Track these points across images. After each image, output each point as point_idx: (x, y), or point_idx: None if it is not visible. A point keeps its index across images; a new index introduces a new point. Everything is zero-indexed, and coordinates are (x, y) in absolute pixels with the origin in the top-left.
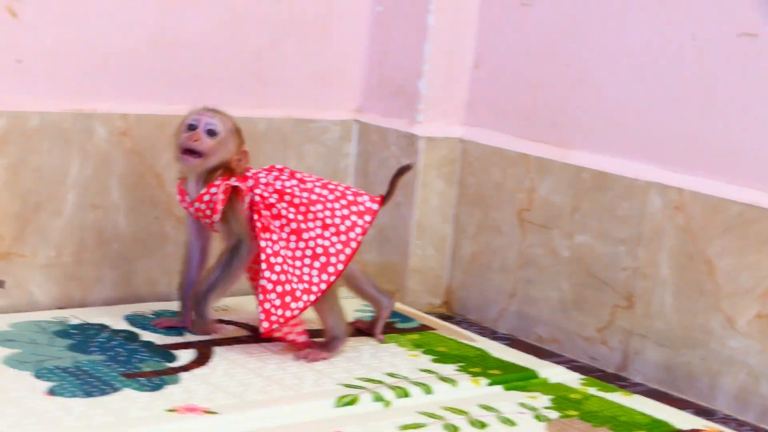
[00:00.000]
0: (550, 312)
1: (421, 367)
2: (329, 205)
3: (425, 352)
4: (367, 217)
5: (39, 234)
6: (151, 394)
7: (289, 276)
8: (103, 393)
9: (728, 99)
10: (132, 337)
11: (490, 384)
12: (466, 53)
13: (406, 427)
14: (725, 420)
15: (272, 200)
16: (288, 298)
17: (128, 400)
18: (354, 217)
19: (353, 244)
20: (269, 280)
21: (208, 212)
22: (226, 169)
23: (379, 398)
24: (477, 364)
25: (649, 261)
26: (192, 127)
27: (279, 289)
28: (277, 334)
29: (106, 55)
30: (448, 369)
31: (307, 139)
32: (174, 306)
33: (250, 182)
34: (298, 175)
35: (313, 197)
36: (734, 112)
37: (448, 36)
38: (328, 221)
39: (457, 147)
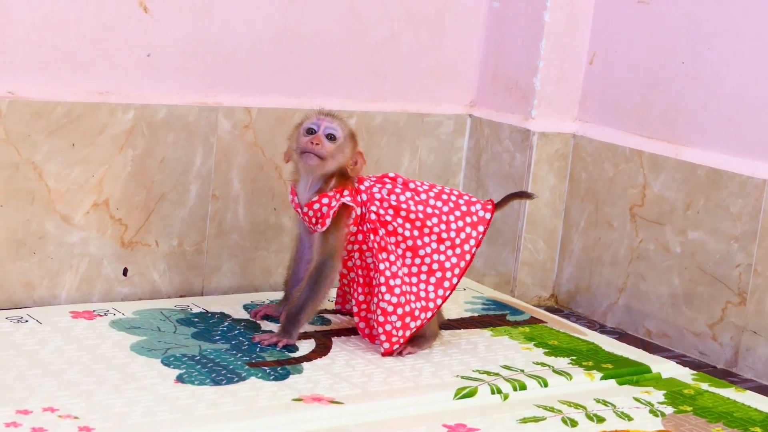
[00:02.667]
0: (660, 307)
1: (535, 359)
2: (444, 218)
3: (537, 345)
4: (480, 228)
5: (162, 224)
6: (276, 384)
7: (408, 296)
8: (230, 381)
9: None
10: (253, 326)
11: (603, 378)
12: (580, 50)
13: (525, 420)
14: None
15: (388, 218)
16: (408, 319)
17: (255, 388)
18: (468, 229)
19: (467, 257)
20: (389, 303)
21: (313, 221)
22: (341, 175)
23: (497, 390)
24: (589, 358)
25: (763, 258)
26: (311, 131)
27: (399, 311)
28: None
29: (231, 50)
30: (561, 362)
31: (421, 133)
32: None
33: (364, 197)
34: (411, 185)
35: (429, 210)
36: None
37: (564, 32)
38: (444, 235)
39: (569, 142)
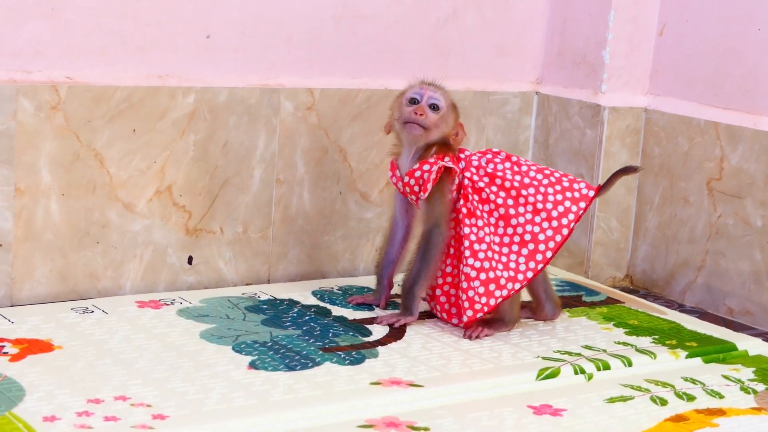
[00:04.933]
0: (742, 284)
1: (616, 339)
2: (542, 189)
3: (617, 325)
4: (582, 204)
5: (226, 210)
6: (352, 368)
7: (494, 263)
8: (305, 367)
9: None
10: (324, 312)
11: (689, 356)
12: (650, 21)
13: (613, 399)
14: None
15: (482, 184)
16: (492, 286)
17: (331, 373)
18: (567, 203)
19: (564, 231)
20: (473, 267)
21: (416, 188)
22: (443, 144)
23: (580, 371)
24: (672, 337)
25: None
26: (414, 101)
27: (483, 276)
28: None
29: (291, 30)
30: (644, 341)
31: (487, 112)
32: (359, 282)
33: (462, 164)
34: (514, 158)
35: (526, 180)
36: None
37: (632, 3)
38: (539, 206)
39: (641, 117)
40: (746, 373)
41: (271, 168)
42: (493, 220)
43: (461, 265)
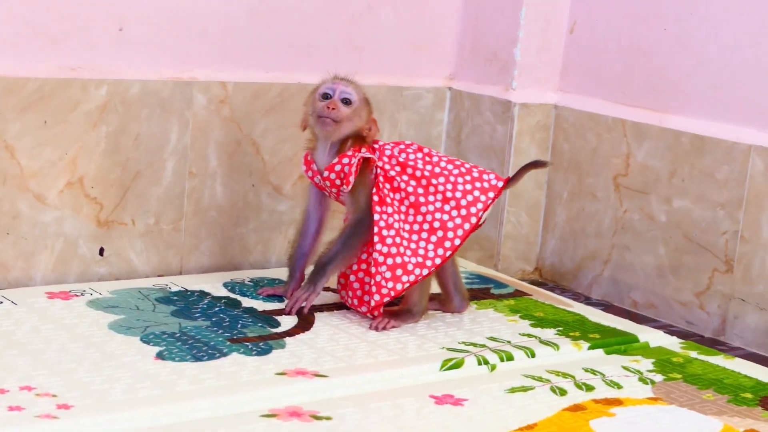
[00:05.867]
0: (646, 277)
1: (521, 331)
2: (452, 179)
3: (523, 317)
4: (491, 194)
5: (138, 202)
6: (259, 359)
7: (402, 249)
8: (212, 357)
9: None
10: (234, 303)
11: (591, 348)
12: (561, 19)
13: (514, 389)
14: None
15: (393, 173)
16: (399, 271)
17: (237, 364)
18: (477, 193)
19: (473, 219)
20: (380, 252)
21: (337, 182)
22: (357, 138)
23: (483, 361)
24: (576, 329)
25: (750, 224)
26: (327, 96)
27: (390, 261)
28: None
29: (205, 23)
30: (548, 333)
31: (400, 107)
32: (272, 273)
33: (377, 154)
34: (426, 150)
35: (437, 170)
36: None
37: (543, 1)
38: (449, 195)
39: (551, 113)
40: (646, 364)
41: (183, 160)
42: (403, 208)
43: (368, 253)
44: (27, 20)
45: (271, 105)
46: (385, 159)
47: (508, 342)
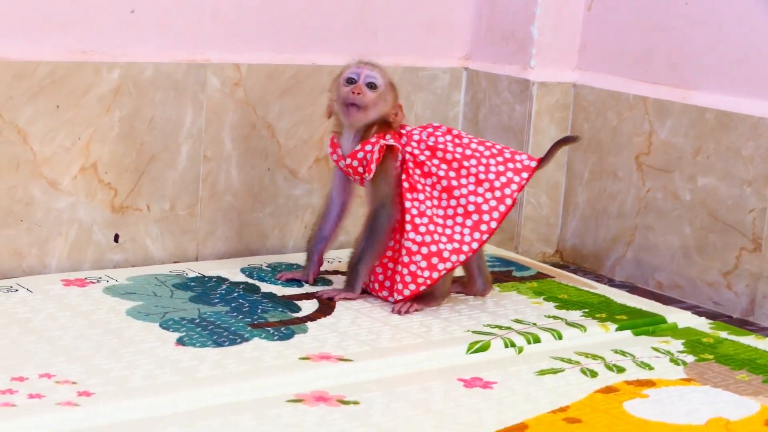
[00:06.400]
0: (671, 258)
1: (546, 313)
2: (484, 161)
3: (547, 299)
4: (524, 174)
5: (153, 187)
6: (281, 343)
7: (437, 236)
8: (233, 343)
9: None
10: (252, 288)
11: (618, 329)
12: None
13: (543, 372)
14: None
15: (423, 157)
16: (435, 259)
17: (260, 349)
18: (510, 174)
19: (508, 201)
20: (414, 241)
21: (360, 170)
22: (383, 123)
23: (510, 344)
24: (602, 310)
25: None
26: (351, 81)
27: (425, 250)
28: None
29: (218, 4)
30: (574, 315)
31: (416, 88)
32: (289, 258)
33: (403, 140)
34: (455, 132)
35: (467, 152)
36: None
37: None
38: (482, 177)
39: (570, 92)
40: (676, 345)
41: (198, 144)
42: (436, 193)
43: (402, 239)
44: (37, 3)
45: (286, 87)
46: (414, 144)
47: (534, 324)
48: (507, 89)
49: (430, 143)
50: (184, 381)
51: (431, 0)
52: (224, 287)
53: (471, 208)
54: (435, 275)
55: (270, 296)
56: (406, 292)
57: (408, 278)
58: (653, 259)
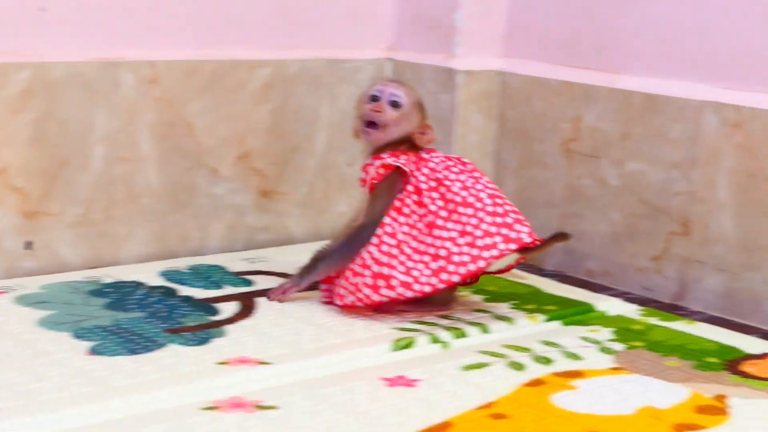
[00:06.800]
0: (601, 245)
1: (474, 307)
2: (481, 214)
3: (475, 292)
4: (512, 246)
5: (66, 190)
6: (198, 348)
7: (395, 262)
8: (148, 350)
9: None
10: (170, 292)
11: (548, 320)
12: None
13: (469, 367)
14: None
15: (425, 186)
16: (381, 282)
17: (176, 355)
18: (498, 238)
19: (481, 263)
20: (372, 256)
21: (367, 184)
22: (410, 143)
23: (436, 340)
24: (531, 301)
25: (705, 184)
26: (375, 98)
27: (376, 268)
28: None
29: (130, 0)
30: (503, 307)
31: (339, 80)
32: (210, 260)
33: (422, 164)
34: (476, 174)
35: (470, 200)
36: None
37: None
38: (469, 228)
39: (495, 80)
40: (605, 334)
41: (113, 145)
42: (420, 225)
43: (363, 251)
44: None
45: (205, 83)
46: (427, 171)
47: (461, 319)
48: (432, 79)
49: (440, 176)
50: (98, 391)
51: None
52: (142, 292)
53: (442, 252)
54: (375, 297)
55: (188, 300)
56: (346, 300)
57: (351, 288)
58: (583, 246)
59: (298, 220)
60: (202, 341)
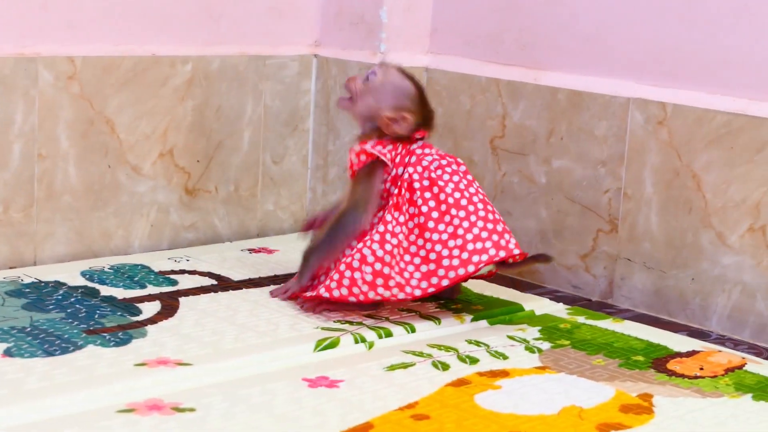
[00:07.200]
0: (529, 242)
1: (400, 306)
2: (473, 218)
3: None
4: (502, 253)
5: None
6: (117, 350)
7: (393, 261)
8: (65, 351)
9: (708, 6)
10: (91, 292)
11: (474, 320)
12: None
13: (393, 367)
14: (720, 340)
15: (417, 185)
16: (380, 281)
17: (93, 356)
18: (489, 244)
19: (470, 268)
20: (374, 253)
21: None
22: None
23: (361, 339)
24: (458, 300)
25: (632, 180)
26: (367, 78)
27: (378, 266)
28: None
29: None
30: (428, 306)
31: (263, 77)
32: (133, 259)
33: (413, 159)
34: (470, 177)
35: (463, 202)
36: (715, 19)
37: None
38: (460, 231)
39: (422, 76)
40: (532, 333)
41: (31, 142)
42: (411, 224)
43: (360, 246)
44: None
45: (125, 80)
46: (420, 168)
47: (387, 318)
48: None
49: (433, 175)
50: (10, 394)
51: None
52: (61, 292)
53: (432, 256)
54: (371, 295)
55: (110, 300)
56: (336, 293)
57: (345, 282)
58: None
59: (224, 217)
60: (122, 342)
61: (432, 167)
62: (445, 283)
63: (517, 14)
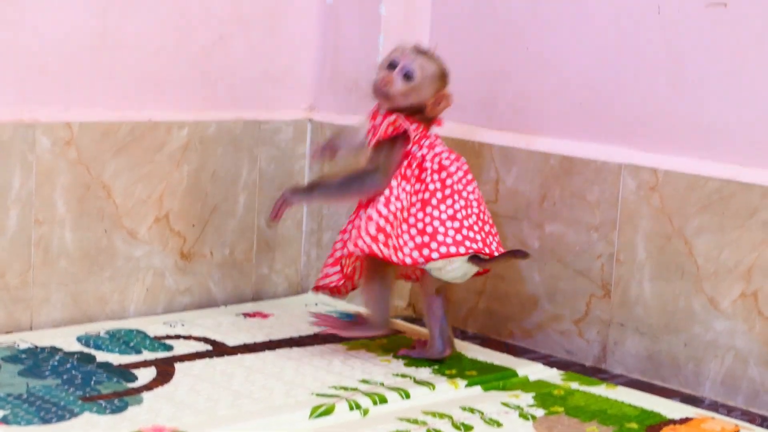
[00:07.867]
0: (522, 307)
1: (395, 371)
2: (470, 210)
3: (396, 357)
4: (486, 249)
5: None
6: (113, 417)
7: (396, 224)
8: (61, 419)
9: (698, 73)
10: (87, 358)
11: (468, 385)
12: (421, 43)
13: None
14: (713, 406)
15: (428, 165)
16: (381, 237)
17: (89, 424)
18: (480, 236)
19: (461, 249)
20: (379, 212)
21: (369, 135)
22: (422, 114)
23: (356, 406)
24: (452, 366)
25: (624, 246)
26: (392, 66)
27: (381, 222)
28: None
29: (45, 60)
30: (423, 372)
31: (258, 142)
32: (129, 324)
33: (426, 142)
34: (470, 177)
35: (464, 194)
36: (705, 86)
37: (402, 26)
38: (459, 215)
39: None
40: (526, 399)
41: (28, 208)
42: (414, 199)
43: (372, 204)
44: None
45: (122, 145)
46: (433, 152)
47: (381, 384)
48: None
49: (444, 162)
50: None
51: (272, 50)
52: (57, 358)
53: (429, 230)
54: (374, 248)
55: (105, 366)
56: (350, 245)
57: (354, 233)
58: (504, 309)
59: (218, 282)
60: (118, 409)
61: (443, 156)
62: (435, 256)
63: (508, 80)
